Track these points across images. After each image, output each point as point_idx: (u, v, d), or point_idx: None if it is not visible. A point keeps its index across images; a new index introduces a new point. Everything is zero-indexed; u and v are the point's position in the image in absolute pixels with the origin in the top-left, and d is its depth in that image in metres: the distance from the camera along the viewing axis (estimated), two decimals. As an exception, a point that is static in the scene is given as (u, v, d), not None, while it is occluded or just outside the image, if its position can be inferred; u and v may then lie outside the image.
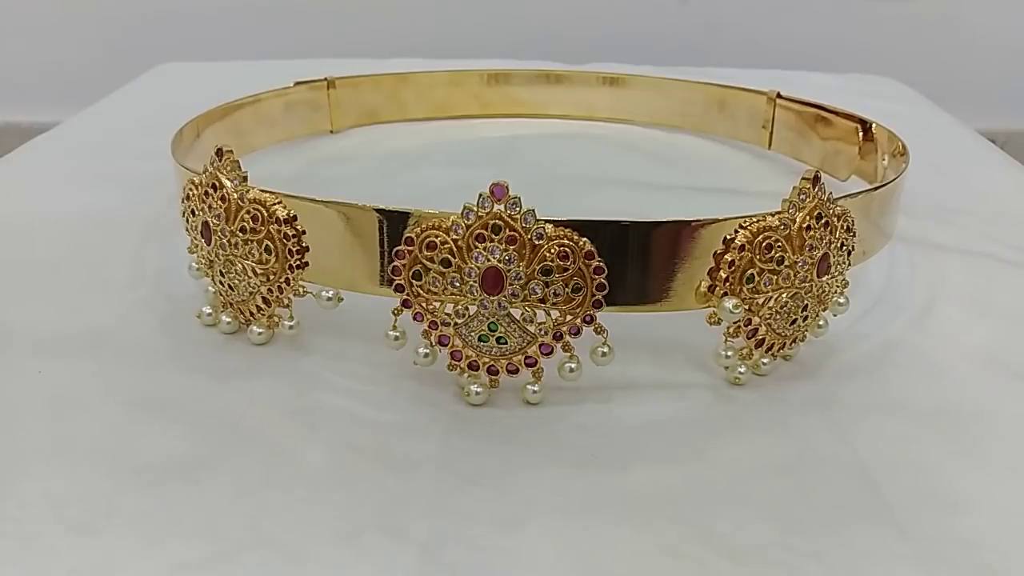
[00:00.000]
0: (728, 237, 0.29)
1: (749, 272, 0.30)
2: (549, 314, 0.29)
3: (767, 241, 0.29)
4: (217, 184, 0.32)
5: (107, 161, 0.55)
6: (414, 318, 0.30)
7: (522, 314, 0.29)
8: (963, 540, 0.25)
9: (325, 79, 0.59)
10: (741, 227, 0.29)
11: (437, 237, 0.28)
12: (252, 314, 0.33)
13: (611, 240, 0.29)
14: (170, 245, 0.42)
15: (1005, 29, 1.01)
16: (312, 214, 0.31)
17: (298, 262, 0.31)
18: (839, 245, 0.31)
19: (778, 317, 0.31)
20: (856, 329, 0.36)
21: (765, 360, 0.32)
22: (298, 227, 0.31)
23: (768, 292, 0.30)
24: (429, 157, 0.58)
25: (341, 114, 0.60)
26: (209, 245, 0.33)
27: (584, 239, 0.28)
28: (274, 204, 0.31)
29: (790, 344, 0.32)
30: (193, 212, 0.33)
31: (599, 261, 0.28)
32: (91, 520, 0.25)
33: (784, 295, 0.30)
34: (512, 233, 0.28)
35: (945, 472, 0.28)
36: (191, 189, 0.33)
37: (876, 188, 0.37)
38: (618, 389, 0.32)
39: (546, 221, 0.28)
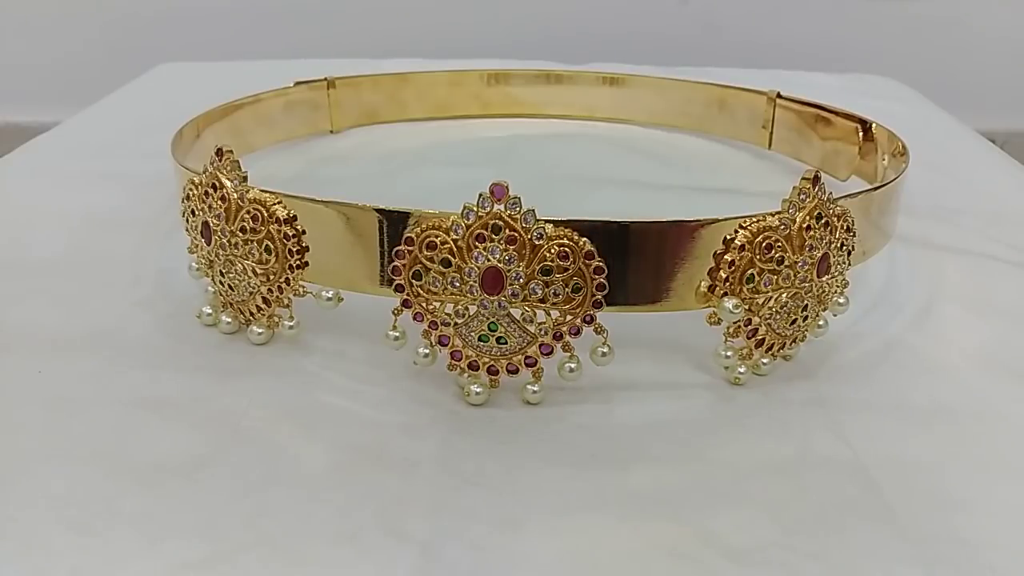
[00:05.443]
0: (728, 237, 0.29)
1: (749, 272, 0.30)
2: (549, 314, 0.29)
3: (767, 241, 0.29)
4: (217, 184, 0.32)
5: (107, 161, 0.55)
6: (414, 318, 0.30)
7: (522, 314, 0.29)
8: (963, 540, 0.25)
9: (325, 79, 0.59)
10: (741, 227, 0.29)
11: (437, 237, 0.28)
12: (252, 314, 0.33)
13: (611, 240, 0.29)
14: (170, 245, 0.42)
15: (1005, 29, 1.01)
16: (312, 214, 0.31)
17: (298, 262, 0.31)
18: (839, 245, 0.31)
19: (778, 317, 0.31)
20: (856, 329, 0.36)
21: (765, 360, 0.32)
22: (298, 227, 0.31)
23: (768, 292, 0.30)
24: (429, 157, 0.58)
25: (341, 114, 0.60)
26: (209, 245, 0.33)
27: (584, 239, 0.28)
28: (274, 204, 0.31)
29: (790, 344, 0.32)
30: (193, 212, 0.33)
31: (599, 261, 0.28)
32: (91, 520, 0.25)
33: (784, 295, 0.30)
34: (512, 233, 0.28)
35: (945, 472, 0.28)
36: (191, 189, 0.33)
37: (876, 188, 0.37)
38: (618, 389, 0.32)
39: (546, 221, 0.28)
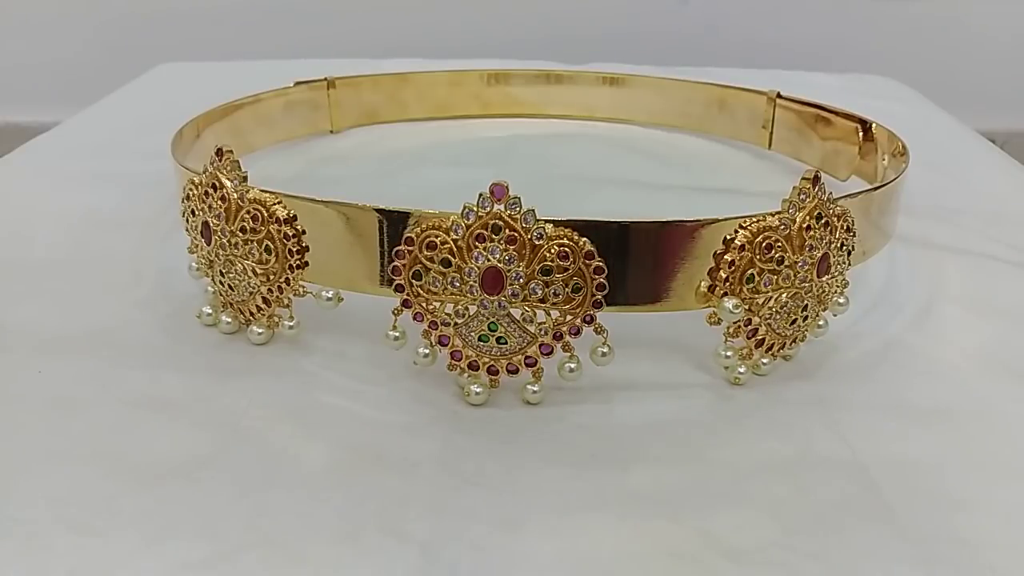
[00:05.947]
0: (728, 237, 0.29)
1: (749, 272, 0.30)
2: (549, 314, 0.29)
3: (767, 241, 0.29)
4: (217, 184, 0.32)
5: (107, 161, 0.55)
6: (414, 318, 0.30)
7: (522, 314, 0.29)
8: (963, 540, 0.25)
9: (325, 79, 0.59)
10: (741, 227, 0.29)
11: (437, 237, 0.28)
12: (252, 314, 0.33)
13: (611, 240, 0.29)
14: (170, 245, 0.42)
15: (1005, 29, 1.01)
16: (312, 214, 0.31)
17: (298, 262, 0.31)
18: (839, 245, 0.31)
19: (778, 317, 0.31)
20: (856, 329, 0.36)
21: (765, 360, 0.32)
22: (298, 227, 0.31)
23: (768, 292, 0.30)
24: (429, 157, 0.58)
25: (341, 114, 0.60)
26: (209, 245, 0.33)
27: (584, 239, 0.28)
28: (274, 204, 0.31)
29: (790, 344, 0.32)
30: (193, 212, 0.33)
31: (599, 261, 0.28)
32: (91, 520, 0.25)
33: (784, 295, 0.30)
34: (512, 233, 0.28)
35: (945, 472, 0.28)
36: (191, 189, 0.33)
37: (876, 188, 0.37)
38: (618, 389, 0.32)
39: (546, 221, 0.28)
